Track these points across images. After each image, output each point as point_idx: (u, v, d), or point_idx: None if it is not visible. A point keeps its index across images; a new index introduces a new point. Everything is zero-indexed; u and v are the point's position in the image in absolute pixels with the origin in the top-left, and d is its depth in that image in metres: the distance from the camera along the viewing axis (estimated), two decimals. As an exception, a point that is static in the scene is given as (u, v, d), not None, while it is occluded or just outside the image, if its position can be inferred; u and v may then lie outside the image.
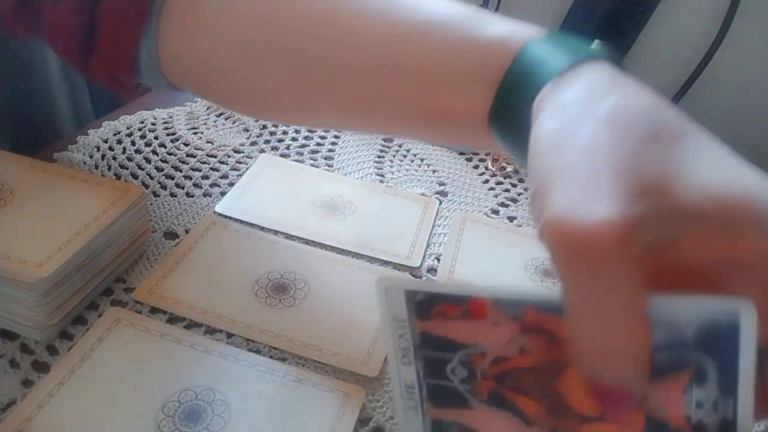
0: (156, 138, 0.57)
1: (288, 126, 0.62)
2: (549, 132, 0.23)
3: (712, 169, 0.22)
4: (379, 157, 0.60)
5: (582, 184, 0.21)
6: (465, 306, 0.24)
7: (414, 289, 0.25)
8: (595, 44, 0.27)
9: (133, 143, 0.56)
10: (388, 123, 0.35)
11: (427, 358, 0.24)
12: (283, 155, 0.58)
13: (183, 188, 0.52)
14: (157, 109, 0.60)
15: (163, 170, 0.54)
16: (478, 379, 0.24)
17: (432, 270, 0.48)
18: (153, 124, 0.59)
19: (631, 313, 0.20)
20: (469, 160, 0.61)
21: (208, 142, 0.58)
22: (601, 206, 0.20)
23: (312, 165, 0.58)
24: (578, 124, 0.23)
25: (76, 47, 0.38)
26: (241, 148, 0.58)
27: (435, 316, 0.24)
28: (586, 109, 0.23)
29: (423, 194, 0.56)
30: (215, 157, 0.57)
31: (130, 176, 0.53)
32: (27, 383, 0.35)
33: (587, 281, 0.20)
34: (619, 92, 0.24)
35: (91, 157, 0.53)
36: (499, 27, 0.30)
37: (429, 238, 0.51)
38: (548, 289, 0.30)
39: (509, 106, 0.28)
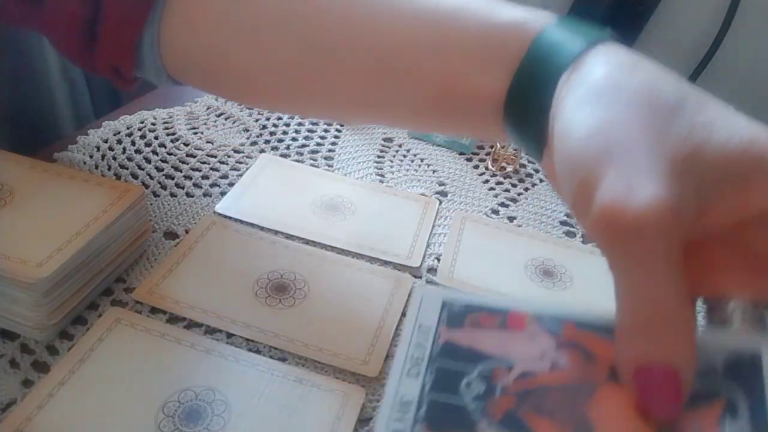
0: (156, 138, 0.57)
1: (288, 125, 0.62)
2: (583, 119, 0.24)
3: (730, 130, 0.23)
4: (379, 157, 0.60)
5: (626, 171, 0.21)
6: (504, 317, 0.24)
7: (452, 300, 0.25)
8: (604, 30, 0.28)
9: (133, 143, 0.56)
10: (399, 111, 0.35)
11: (441, 370, 0.23)
12: (283, 155, 0.58)
13: (183, 188, 0.52)
14: (157, 109, 0.60)
15: (163, 170, 0.54)
16: (496, 396, 0.22)
17: (432, 270, 0.48)
18: (153, 124, 0.59)
19: (679, 292, 0.21)
20: (469, 160, 0.61)
21: (208, 142, 0.58)
22: (648, 191, 0.20)
23: (312, 165, 0.58)
24: (611, 108, 0.23)
25: (78, 37, 0.38)
26: (241, 148, 0.58)
27: (468, 325, 0.24)
28: (614, 93, 0.24)
29: (423, 194, 0.56)
30: (215, 157, 0.57)
31: (130, 176, 0.53)
32: (27, 383, 0.35)
33: (641, 265, 0.20)
34: (640, 71, 0.25)
35: (91, 157, 0.53)
36: (514, 12, 0.30)
37: (429, 238, 0.51)
38: (590, 308, 0.31)
39: (528, 88, 0.28)
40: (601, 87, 0.24)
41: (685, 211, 0.21)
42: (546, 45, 0.28)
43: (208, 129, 0.60)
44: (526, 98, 0.28)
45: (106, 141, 0.56)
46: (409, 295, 0.45)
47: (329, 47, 0.33)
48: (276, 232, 0.49)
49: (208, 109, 0.62)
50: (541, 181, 0.60)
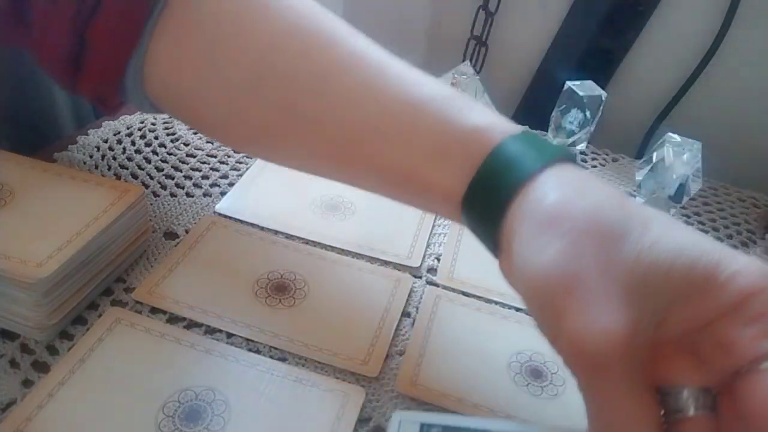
0: (156, 138, 0.57)
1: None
2: (540, 249, 0.26)
3: (675, 250, 0.25)
4: (379, 157, 0.60)
5: (583, 306, 0.24)
6: None
7: (430, 424, 0.27)
8: (560, 145, 0.30)
9: (133, 143, 0.56)
10: (366, 183, 0.36)
11: None
12: (283, 155, 0.58)
13: (183, 188, 0.52)
14: (157, 109, 0.60)
15: (163, 170, 0.54)
16: None
17: (432, 270, 0.48)
18: (153, 124, 0.59)
19: (643, 413, 0.24)
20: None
21: (208, 142, 0.58)
22: (604, 325, 0.23)
23: (312, 165, 0.58)
24: (564, 239, 0.25)
25: (64, 65, 0.38)
26: (241, 148, 0.58)
27: None
28: (566, 222, 0.26)
29: (423, 194, 0.56)
30: (215, 157, 0.57)
31: (130, 176, 0.53)
32: (27, 383, 0.35)
33: (605, 393, 0.24)
34: (588, 197, 0.27)
35: (91, 157, 0.53)
36: (479, 117, 0.31)
37: (429, 238, 0.51)
38: (565, 427, 0.34)
39: (482, 198, 0.30)
40: (553, 216, 0.26)
41: (641, 332, 0.24)
42: (503, 158, 0.29)
43: (208, 129, 0.60)
44: (481, 207, 0.30)
45: (106, 141, 0.56)
46: (409, 295, 0.45)
47: (300, 116, 0.34)
48: (276, 232, 0.49)
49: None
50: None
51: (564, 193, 0.27)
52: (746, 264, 0.25)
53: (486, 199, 0.29)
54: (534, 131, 0.31)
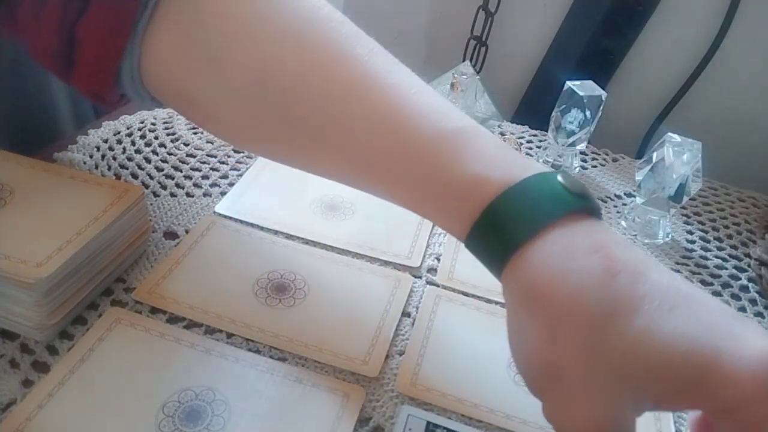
0: (156, 138, 0.57)
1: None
2: (527, 329, 0.26)
3: (670, 335, 0.24)
4: (379, 157, 0.60)
5: (563, 397, 0.25)
6: None
7: (436, 423, 0.29)
8: (571, 189, 0.28)
9: (133, 143, 0.56)
10: (370, 191, 0.35)
11: None
12: (283, 155, 0.58)
13: (183, 188, 0.52)
14: (157, 109, 0.61)
15: (163, 170, 0.54)
16: None
17: (432, 270, 0.48)
18: (153, 124, 0.59)
19: None
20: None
21: (208, 142, 0.58)
22: (580, 420, 0.24)
23: (312, 165, 0.58)
24: (550, 324, 0.25)
25: (57, 62, 0.37)
26: (241, 148, 0.58)
27: None
28: (552, 304, 0.25)
29: (423, 194, 0.56)
30: (215, 157, 0.57)
31: (130, 176, 0.53)
32: (27, 383, 0.35)
33: None
34: (574, 273, 0.25)
35: (91, 157, 0.53)
36: (477, 168, 0.29)
37: (429, 238, 0.51)
38: None
39: (482, 250, 0.29)
40: (535, 295, 0.26)
41: (623, 418, 0.24)
42: (499, 216, 0.28)
43: (208, 129, 0.60)
44: (482, 253, 0.29)
45: (106, 141, 0.56)
46: (409, 295, 0.45)
47: (301, 127, 0.33)
48: (276, 232, 0.49)
49: (208, 109, 0.62)
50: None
51: (550, 267, 0.26)
52: (744, 366, 0.23)
53: (483, 251, 0.29)
54: (553, 170, 0.29)
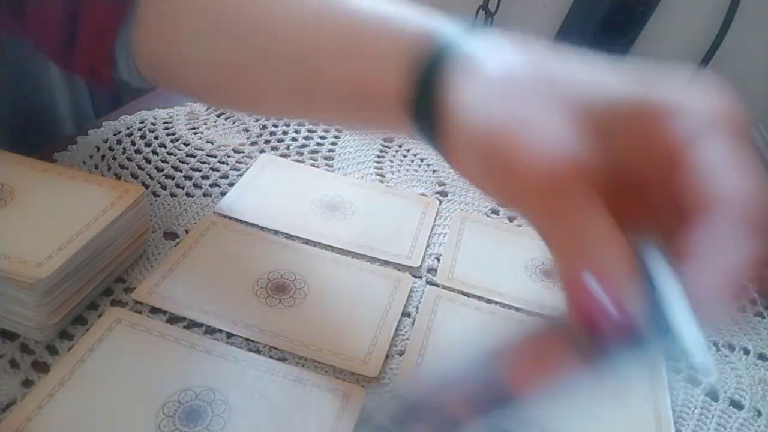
0: (156, 138, 0.57)
1: (288, 125, 0.62)
2: (479, 101, 0.27)
3: (612, 81, 0.26)
4: (379, 157, 0.60)
5: (531, 138, 0.24)
6: None
7: None
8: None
9: (133, 143, 0.56)
10: (326, 109, 0.37)
11: None
12: (283, 155, 0.58)
13: (183, 188, 0.52)
14: (157, 109, 0.60)
15: (163, 170, 0.54)
16: None
17: (432, 270, 0.48)
18: (153, 124, 0.59)
19: (612, 225, 0.23)
20: (469, 160, 0.61)
21: (208, 142, 0.58)
22: (556, 145, 0.23)
23: (312, 165, 0.58)
24: (504, 89, 0.26)
25: (57, 40, 0.41)
26: (241, 148, 0.58)
27: None
28: (505, 77, 0.27)
29: (423, 194, 0.56)
30: (215, 157, 0.57)
31: (130, 176, 0.53)
32: (27, 383, 0.35)
33: (570, 212, 0.23)
34: (514, 52, 0.28)
35: (91, 157, 0.53)
36: (420, 20, 0.32)
37: (429, 238, 0.51)
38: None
39: (425, 82, 0.30)
40: (489, 73, 0.27)
41: (593, 156, 0.24)
42: (440, 45, 0.30)
43: (208, 129, 0.60)
44: (424, 94, 0.30)
45: (106, 141, 0.56)
46: (409, 295, 0.45)
47: (253, 47, 0.37)
48: (276, 232, 0.49)
49: (208, 109, 0.62)
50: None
51: (498, 57, 0.28)
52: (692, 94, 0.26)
53: (427, 85, 0.30)
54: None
